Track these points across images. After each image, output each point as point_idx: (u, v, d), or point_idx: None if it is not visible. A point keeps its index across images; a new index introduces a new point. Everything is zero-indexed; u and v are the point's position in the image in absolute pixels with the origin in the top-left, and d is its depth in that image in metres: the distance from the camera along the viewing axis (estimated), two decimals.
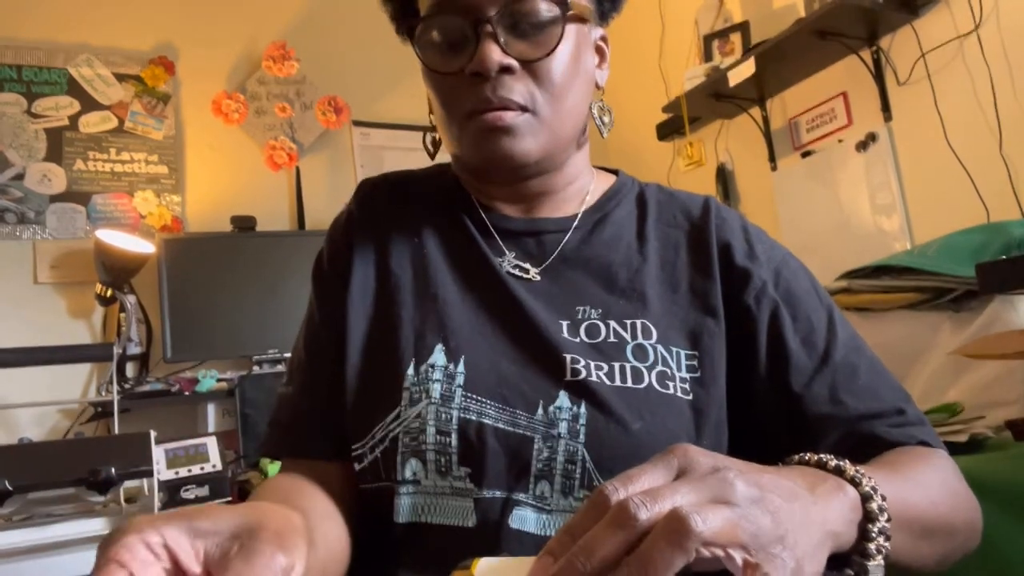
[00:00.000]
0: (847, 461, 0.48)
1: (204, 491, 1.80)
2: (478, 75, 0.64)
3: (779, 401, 0.66)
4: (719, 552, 0.37)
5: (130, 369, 2.50)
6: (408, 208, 0.77)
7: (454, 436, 0.62)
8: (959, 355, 1.21)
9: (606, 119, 0.76)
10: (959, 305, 1.31)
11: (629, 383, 0.63)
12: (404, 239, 0.75)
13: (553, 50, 0.65)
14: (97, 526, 1.54)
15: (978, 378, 1.26)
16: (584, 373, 0.63)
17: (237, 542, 0.38)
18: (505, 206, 0.75)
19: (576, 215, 0.74)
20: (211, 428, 2.45)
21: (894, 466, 0.57)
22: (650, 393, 0.63)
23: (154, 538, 0.37)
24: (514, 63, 0.65)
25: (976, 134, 1.88)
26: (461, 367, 0.65)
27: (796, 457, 0.50)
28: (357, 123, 3.07)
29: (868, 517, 0.46)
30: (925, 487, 0.56)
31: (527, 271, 0.71)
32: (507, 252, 0.72)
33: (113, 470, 1.49)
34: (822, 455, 0.49)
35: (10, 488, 1.44)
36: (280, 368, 2.48)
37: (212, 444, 1.89)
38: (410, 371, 0.65)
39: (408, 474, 0.63)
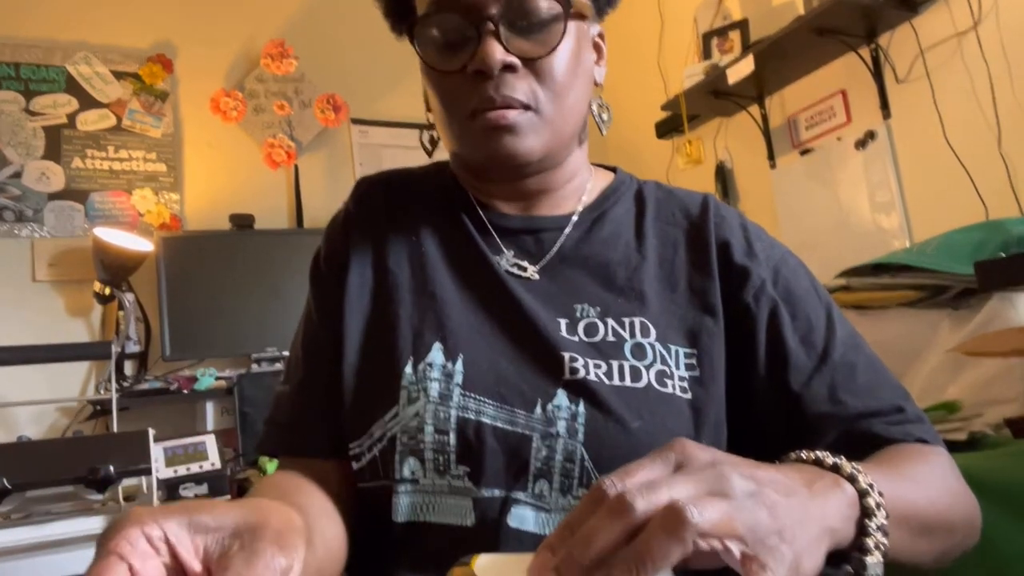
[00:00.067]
0: (843, 458, 0.48)
1: (203, 489, 1.80)
2: (480, 73, 0.64)
3: (778, 400, 0.66)
4: (716, 545, 0.37)
5: (128, 367, 2.50)
6: (406, 206, 0.77)
7: (452, 435, 0.62)
8: (958, 353, 1.21)
9: (605, 116, 0.76)
10: (958, 303, 1.31)
11: (628, 382, 0.63)
12: (402, 237, 0.74)
13: (555, 48, 0.65)
14: (96, 524, 1.54)
15: (977, 376, 1.26)
16: (583, 372, 0.63)
17: (238, 540, 0.38)
18: (503, 204, 0.75)
19: (574, 213, 0.74)
20: (210, 426, 2.44)
21: (892, 463, 0.57)
22: (649, 392, 0.63)
23: (155, 531, 0.37)
24: (516, 61, 0.64)
25: (975, 132, 1.88)
26: (459, 366, 0.65)
27: (793, 455, 0.50)
28: (356, 121, 3.07)
29: (866, 513, 0.46)
30: (923, 484, 0.56)
31: (525, 269, 0.71)
32: (505, 250, 0.72)
33: (112, 468, 1.49)
34: (819, 452, 0.49)
35: (9, 486, 1.43)
36: (279, 366, 2.48)
37: (211, 442, 1.89)
38: (408, 369, 0.65)
39: (406, 473, 0.62)
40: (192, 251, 2.58)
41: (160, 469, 1.74)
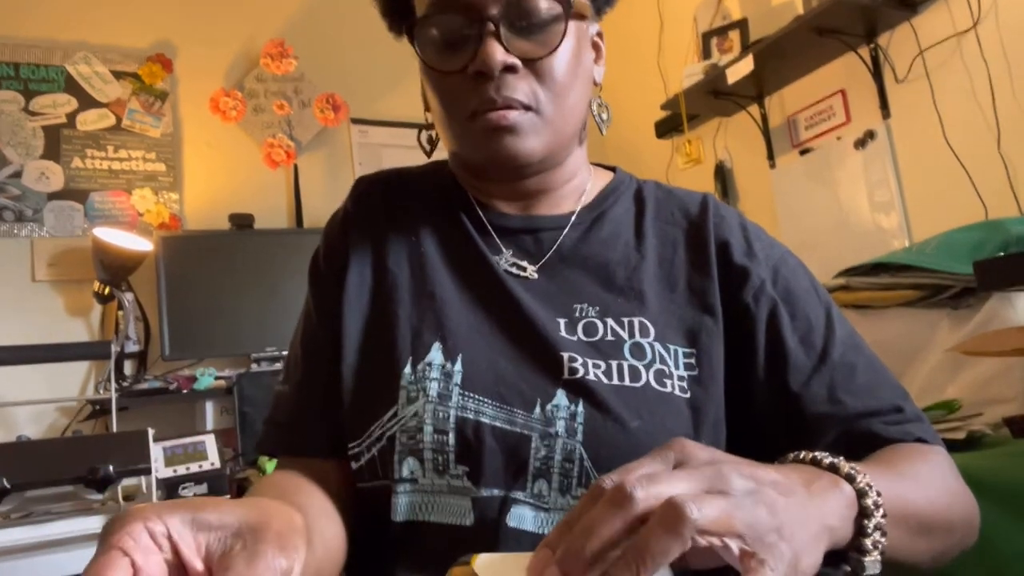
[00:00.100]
0: (842, 458, 0.48)
1: (202, 489, 1.80)
2: (481, 74, 0.64)
3: (777, 400, 0.66)
4: (715, 541, 0.37)
5: (128, 367, 2.50)
6: (405, 206, 0.77)
7: (451, 435, 0.62)
8: (957, 352, 1.21)
9: (605, 116, 0.76)
10: (957, 302, 1.31)
11: (627, 381, 0.63)
12: (401, 237, 0.74)
13: (556, 48, 0.65)
14: (95, 524, 1.53)
15: (976, 375, 1.26)
16: (582, 371, 0.63)
17: (240, 540, 0.38)
18: (502, 204, 0.75)
19: (573, 212, 0.74)
20: (209, 426, 2.44)
21: (890, 463, 0.58)
22: (648, 391, 0.63)
23: (158, 527, 0.37)
24: (517, 62, 0.64)
25: (974, 132, 1.88)
26: (458, 365, 0.65)
27: (791, 455, 0.50)
28: (355, 121, 3.07)
29: (864, 513, 0.46)
30: (921, 483, 0.56)
31: (524, 269, 0.71)
32: (504, 250, 0.72)
33: (111, 468, 1.49)
34: (817, 453, 0.49)
35: (8, 486, 1.43)
36: (278, 366, 2.48)
37: (210, 442, 1.89)
38: (407, 369, 0.65)
39: (405, 473, 0.62)
40: (192, 251, 2.58)
41: (159, 469, 1.74)
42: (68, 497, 1.55)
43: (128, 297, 2.47)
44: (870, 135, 2.16)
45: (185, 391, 2.41)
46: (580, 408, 0.62)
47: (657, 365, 0.65)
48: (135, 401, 2.35)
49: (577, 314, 0.68)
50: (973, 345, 1.17)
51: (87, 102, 2.66)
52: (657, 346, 0.66)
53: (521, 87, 0.65)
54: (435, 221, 0.75)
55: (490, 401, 0.63)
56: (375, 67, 3.05)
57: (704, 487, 0.39)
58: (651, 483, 0.38)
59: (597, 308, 0.68)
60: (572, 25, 0.67)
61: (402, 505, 0.62)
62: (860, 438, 0.62)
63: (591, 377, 0.63)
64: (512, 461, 0.61)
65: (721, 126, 2.76)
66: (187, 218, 2.75)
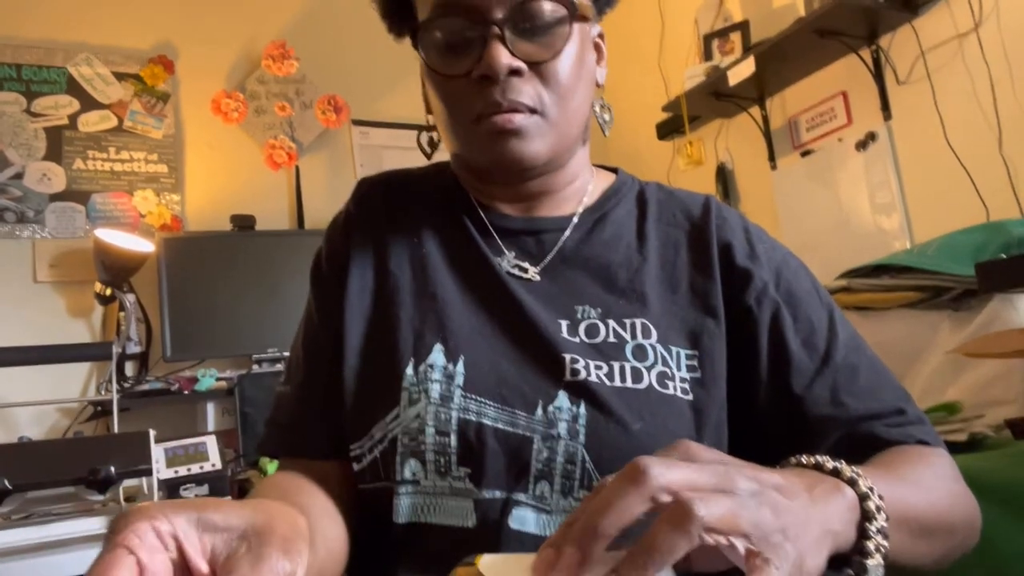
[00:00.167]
0: (843, 462, 0.48)
1: (204, 490, 1.80)
2: (486, 78, 0.64)
3: (779, 402, 0.66)
4: (722, 540, 0.37)
5: (129, 368, 2.50)
6: (406, 207, 0.77)
7: (453, 436, 0.62)
8: (958, 354, 1.21)
9: (607, 117, 0.76)
10: (959, 304, 1.31)
11: (629, 383, 0.63)
12: (403, 239, 0.74)
13: (561, 51, 0.65)
14: (96, 525, 1.54)
15: (977, 377, 1.26)
16: (584, 373, 0.63)
17: (245, 543, 0.38)
18: (504, 205, 0.75)
19: (575, 214, 0.74)
20: (210, 427, 2.45)
21: (892, 466, 0.58)
22: (650, 393, 0.63)
23: (164, 526, 0.37)
24: (522, 66, 0.64)
25: (976, 133, 1.88)
26: (460, 367, 0.65)
27: (793, 460, 0.50)
28: (357, 122, 3.07)
29: (866, 516, 0.46)
30: (923, 486, 0.56)
31: (526, 271, 0.71)
32: (506, 252, 0.72)
33: (112, 469, 1.49)
34: (819, 457, 0.49)
35: (9, 487, 1.44)
36: (279, 367, 2.48)
37: (211, 443, 1.90)
38: (409, 371, 0.65)
39: (407, 474, 0.62)
40: (193, 252, 2.58)
41: (161, 470, 1.74)
42: (69, 498, 1.55)
43: (130, 298, 2.47)
44: (871, 137, 2.16)
45: (186, 392, 2.41)
46: (582, 410, 0.62)
47: (659, 367, 0.65)
48: (136, 402, 2.35)
49: (579, 316, 0.68)
50: (974, 347, 1.17)
51: (89, 103, 2.67)
52: (659, 348, 0.66)
53: (526, 90, 0.65)
54: (437, 223, 0.75)
55: (492, 403, 0.63)
56: (376, 69, 3.05)
57: (711, 485, 0.39)
58: (665, 465, 0.39)
59: (599, 310, 0.68)
60: (575, 27, 0.67)
61: (404, 507, 0.62)
62: (862, 440, 0.62)
63: (593, 379, 0.63)
64: (514, 463, 0.61)
65: (722, 128, 2.76)
66: (188, 219, 2.76)
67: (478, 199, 0.76)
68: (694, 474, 0.39)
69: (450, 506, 0.62)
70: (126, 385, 2.39)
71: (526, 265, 0.71)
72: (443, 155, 0.78)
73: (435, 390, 0.63)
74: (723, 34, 2.54)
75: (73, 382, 2.49)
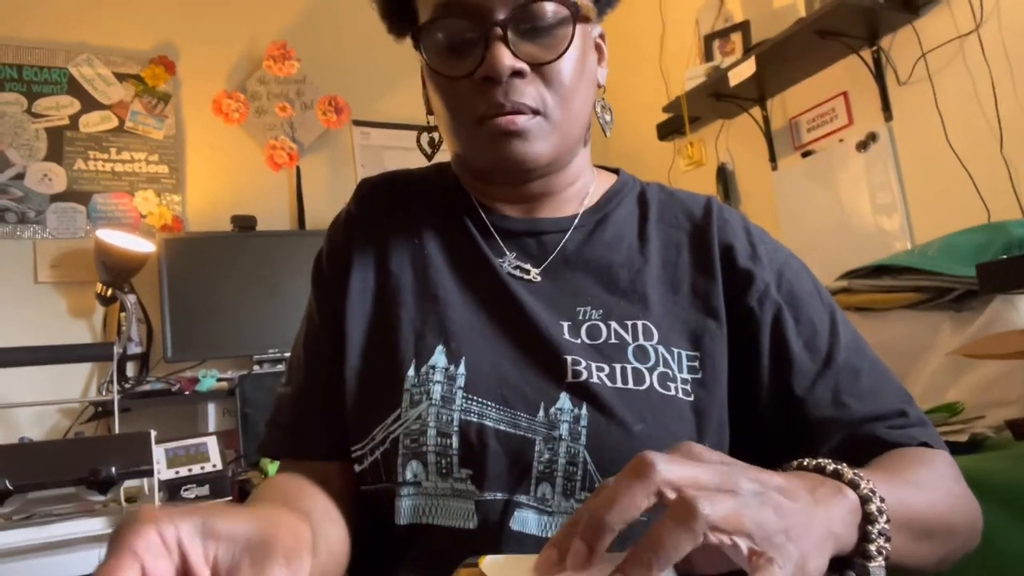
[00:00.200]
0: (845, 465, 0.48)
1: (204, 490, 1.80)
2: (489, 79, 0.64)
3: (781, 403, 0.66)
4: (725, 540, 0.37)
5: (130, 368, 2.50)
6: (408, 208, 0.77)
7: (455, 438, 0.62)
8: (959, 355, 1.21)
9: (608, 117, 0.76)
10: (960, 305, 1.31)
11: (630, 385, 0.63)
12: (404, 239, 0.74)
13: (563, 52, 0.65)
14: (97, 526, 1.54)
15: (978, 378, 1.26)
16: (585, 375, 0.63)
17: (248, 554, 0.38)
18: (505, 206, 0.75)
19: (576, 215, 0.74)
20: (211, 428, 2.45)
21: (893, 468, 0.58)
22: (651, 395, 0.63)
23: (169, 531, 0.37)
24: (525, 67, 0.64)
25: (977, 134, 1.88)
26: (462, 368, 0.65)
27: (795, 463, 0.50)
28: (357, 123, 3.07)
29: (867, 519, 0.46)
30: (925, 488, 0.56)
31: (528, 272, 0.71)
32: (508, 253, 0.72)
33: (113, 469, 1.49)
34: (820, 460, 0.49)
35: (10, 487, 1.44)
36: (280, 368, 2.48)
37: (212, 444, 1.90)
38: (410, 372, 0.65)
39: (409, 476, 0.62)
40: (194, 252, 2.58)
41: (162, 470, 1.74)
42: (70, 499, 1.55)
43: (130, 299, 2.47)
44: (872, 137, 2.16)
45: (187, 393, 2.41)
46: (584, 411, 0.62)
47: (661, 368, 0.65)
48: (137, 403, 2.35)
49: (580, 317, 0.68)
50: (975, 348, 1.17)
51: (90, 104, 2.67)
52: (661, 349, 0.66)
53: (529, 91, 0.65)
54: (438, 223, 0.75)
55: (493, 404, 0.63)
56: (377, 69, 3.05)
57: (715, 483, 0.39)
58: (670, 461, 0.39)
59: (600, 311, 0.68)
60: (578, 28, 0.67)
61: (405, 508, 0.62)
62: (864, 442, 0.62)
63: (594, 380, 0.63)
64: (515, 464, 0.61)
65: (723, 128, 2.76)
66: (189, 220, 2.76)
67: (479, 200, 0.76)
68: (698, 472, 0.39)
69: (451, 507, 0.62)
70: (127, 386, 2.39)
71: (527, 266, 0.71)
72: (443, 156, 0.78)
73: (437, 391, 0.63)
74: (724, 34, 2.54)
75: (74, 383, 2.49)
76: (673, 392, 0.64)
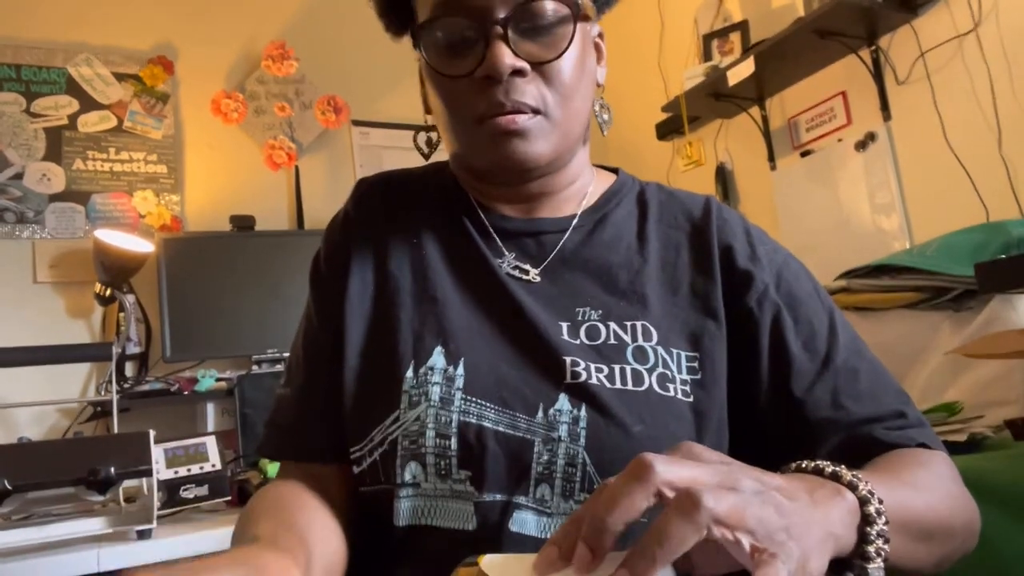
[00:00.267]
0: (843, 467, 0.48)
1: (203, 490, 1.80)
2: (489, 78, 0.64)
3: (780, 404, 0.66)
4: (728, 535, 0.37)
5: (129, 368, 2.49)
6: (406, 208, 0.77)
7: (454, 439, 0.62)
8: (958, 355, 1.21)
9: (606, 116, 0.76)
10: (958, 304, 1.31)
11: (629, 386, 0.63)
12: (402, 240, 0.74)
13: (564, 51, 0.65)
14: (96, 525, 1.54)
15: (977, 377, 1.26)
16: (584, 376, 0.63)
17: None
18: (504, 206, 0.75)
19: (575, 215, 0.74)
20: (210, 427, 2.44)
21: (891, 469, 0.58)
22: (651, 396, 0.63)
23: None
24: (526, 66, 0.64)
25: (975, 133, 1.88)
26: (460, 370, 0.64)
27: (793, 465, 0.50)
28: (356, 122, 3.07)
29: (866, 520, 0.46)
30: (923, 489, 0.56)
31: (527, 272, 0.71)
32: (506, 253, 0.72)
33: (112, 469, 1.49)
34: (819, 462, 0.49)
35: (9, 487, 1.43)
36: (279, 367, 2.48)
37: (211, 443, 1.89)
38: (409, 374, 0.65)
39: (408, 477, 0.62)
40: (193, 252, 2.58)
41: (160, 470, 1.74)
42: (69, 499, 1.55)
43: (129, 299, 2.47)
44: (871, 137, 2.16)
45: (186, 393, 2.41)
46: (583, 412, 0.62)
47: (660, 369, 0.64)
48: (136, 403, 2.34)
49: (580, 317, 0.68)
50: (974, 347, 1.17)
51: (88, 104, 2.66)
52: (660, 350, 0.65)
53: (529, 91, 0.64)
54: (436, 223, 0.75)
55: (492, 405, 0.63)
56: (376, 69, 3.05)
57: (716, 482, 0.39)
58: (670, 462, 0.39)
59: (600, 312, 0.68)
60: (578, 27, 0.66)
61: (404, 510, 0.62)
62: (862, 443, 0.62)
63: (594, 381, 0.63)
64: (515, 466, 0.61)
65: (722, 128, 2.76)
66: (188, 220, 2.75)
67: (477, 200, 0.75)
68: (698, 472, 0.39)
69: (450, 509, 0.62)
70: (126, 386, 2.39)
71: (526, 266, 0.71)
72: (441, 155, 0.78)
73: (435, 393, 0.63)
74: (722, 34, 2.54)
75: (73, 383, 2.48)
76: (672, 393, 0.63)
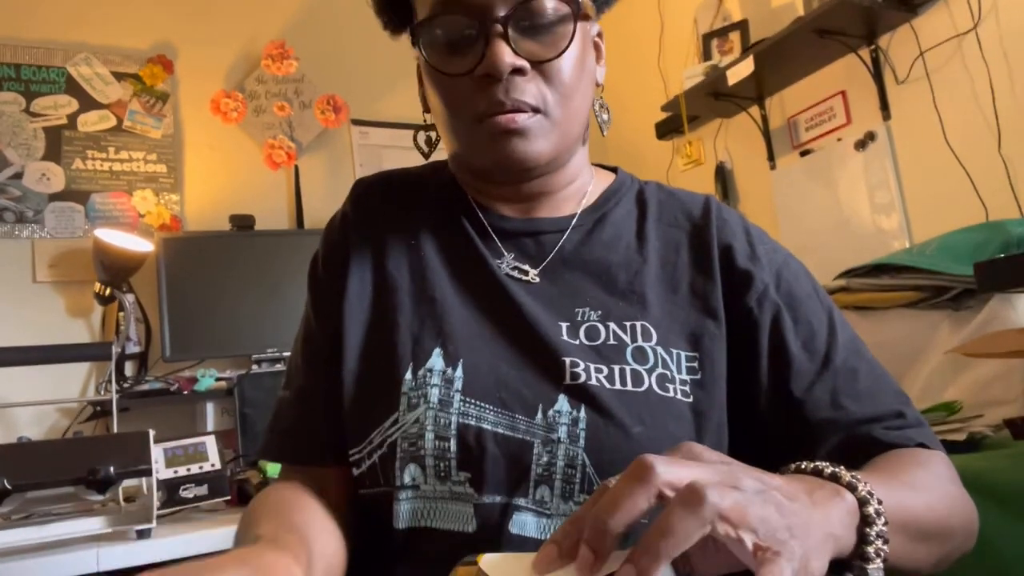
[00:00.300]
0: (842, 468, 0.48)
1: (203, 490, 1.80)
2: (489, 77, 0.63)
3: (779, 404, 0.66)
4: (731, 532, 0.37)
5: (129, 368, 2.49)
6: (404, 208, 0.76)
7: (453, 441, 0.61)
8: (958, 354, 1.21)
9: (605, 116, 0.76)
10: (958, 304, 1.31)
11: (629, 386, 0.63)
12: (400, 240, 0.74)
13: (564, 50, 0.65)
14: (96, 525, 1.54)
15: (977, 377, 1.26)
16: (584, 376, 0.63)
17: None
18: (503, 206, 0.74)
19: (575, 215, 0.74)
20: (210, 427, 2.44)
21: (890, 469, 0.58)
22: (650, 396, 0.63)
23: None
24: (526, 64, 0.64)
25: (975, 133, 1.88)
26: (459, 371, 0.64)
27: (792, 466, 0.50)
28: (356, 122, 3.07)
29: (865, 521, 0.46)
30: (922, 490, 0.56)
31: (526, 272, 0.71)
32: (505, 253, 0.72)
33: (112, 469, 1.49)
34: (818, 463, 0.49)
35: (9, 487, 1.43)
36: (279, 367, 2.48)
37: (211, 443, 1.89)
38: (408, 376, 0.64)
39: (407, 479, 0.62)
40: (192, 252, 2.58)
41: (160, 470, 1.74)
42: (69, 498, 1.55)
43: (129, 298, 2.47)
44: (870, 136, 2.16)
45: (186, 392, 2.41)
46: (582, 413, 0.61)
47: (660, 369, 0.64)
48: (136, 402, 2.34)
49: (579, 318, 0.67)
50: (974, 347, 1.17)
51: (88, 103, 2.66)
52: (659, 350, 0.65)
53: (529, 89, 0.64)
54: (435, 223, 0.75)
55: (492, 407, 0.62)
56: (376, 68, 3.05)
57: (716, 481, 0.39)
58: (671, 463, 0.39)
59: (599, 312, 0.68)
60: (578, 26, 0.66)
61: (404, 512, 0.62)
62: (862, 443, 0.62)
63: (593, 382, 0.63)
64: (514, 467, 0.61)
65: (721, 127, 2.76)
66: (188, 219, 2.75)
67: (476, 199, 0.75)
68: (698, 472, 0.39)
69: (450, 511, 0.61)
70: (125, 385, 2.39)
71: (525, 267, 0.71)
72: (442, 154, 0.77)
73: (434, 395, 0.63)
74: (722, 34, 2.54)
75: (72, 382, 2.48)
76: (672, 393, 0.63)
